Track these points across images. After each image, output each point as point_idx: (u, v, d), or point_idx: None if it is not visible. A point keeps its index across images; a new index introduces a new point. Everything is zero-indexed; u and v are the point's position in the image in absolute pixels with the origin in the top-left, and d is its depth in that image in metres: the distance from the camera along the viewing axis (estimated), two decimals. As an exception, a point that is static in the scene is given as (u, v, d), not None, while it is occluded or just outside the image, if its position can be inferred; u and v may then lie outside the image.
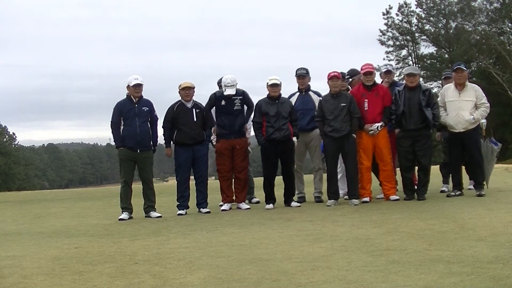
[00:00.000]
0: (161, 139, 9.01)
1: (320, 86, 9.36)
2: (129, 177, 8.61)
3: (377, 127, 8.57)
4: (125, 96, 8.53)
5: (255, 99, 9.20)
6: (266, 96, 8.82)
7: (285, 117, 8.59)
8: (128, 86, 8.48)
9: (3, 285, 4.41)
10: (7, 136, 74.29)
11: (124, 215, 8.40)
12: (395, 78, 10.07)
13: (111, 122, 8.52)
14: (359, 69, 8.92)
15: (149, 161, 8.63)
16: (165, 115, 8.78)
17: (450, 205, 7.65)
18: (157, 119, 8.69)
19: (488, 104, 8.66)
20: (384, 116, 8.62)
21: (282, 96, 8.87)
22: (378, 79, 9.29)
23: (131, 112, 8.40)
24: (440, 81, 13.71)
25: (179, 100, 8.77)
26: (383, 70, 9.89)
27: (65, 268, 4.94)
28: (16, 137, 78.36)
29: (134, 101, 8.45)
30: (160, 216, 8.39)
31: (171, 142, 8.82)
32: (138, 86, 8.47)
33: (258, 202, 9.54)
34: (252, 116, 9.01)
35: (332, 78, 8.60)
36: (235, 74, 9.00)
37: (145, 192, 8.61)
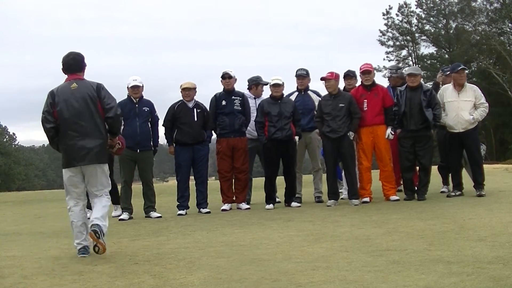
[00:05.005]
0: (162, 139, 9.03)
1: (320, 86, 9.37)
2: (129, 177, 8.62)
3: (388, 135, 8.56)
4: (126, 96, 8.55)
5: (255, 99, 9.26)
6: (268, 96, 8.85)
7: (287, 117, 8.59)
8: (127, 87, 8.51)
9: (3, 285, 4.41)
10: (7, 136, 74.10)
11: (124, 215, 8.40)
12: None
13: (112, 122, 8.52)
14: (358, 70, 8.92)
15: (149, 161, 8.64)
16: (166, 114, 8.80)
17: (450, 205, 7.65)
18: (158, 119, 8.70)
19: (487, 104, 8.69)
20: (388, 118, 8.61)
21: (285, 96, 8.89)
22: (380, 79, 9.27)
23: (132, 112, 8.42)
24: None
25: (181, 100, 8.79)
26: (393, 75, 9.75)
27: (65, 268, 4.94)
28: (16, 137, 78.15)
29: (135, 101, 8.47)
30: (160, 216, 8.39)
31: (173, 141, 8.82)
32: (136, 88, 8.49)
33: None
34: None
35: (324, 79, 8.62)
36: (235, 74, 9.04)
37: (145, 192, 8.61)
